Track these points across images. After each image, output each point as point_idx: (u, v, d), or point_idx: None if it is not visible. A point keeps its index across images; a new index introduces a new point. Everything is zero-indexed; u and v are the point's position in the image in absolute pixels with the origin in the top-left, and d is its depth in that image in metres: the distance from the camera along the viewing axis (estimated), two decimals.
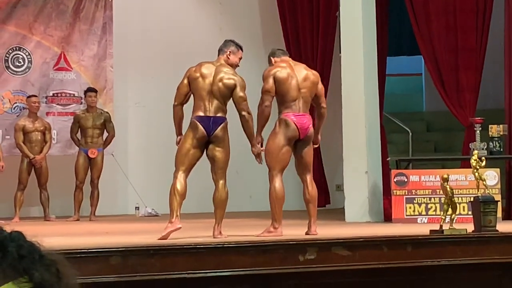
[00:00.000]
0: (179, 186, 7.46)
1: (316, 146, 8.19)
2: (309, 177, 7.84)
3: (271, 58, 8.05)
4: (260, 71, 13.41)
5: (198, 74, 7.62)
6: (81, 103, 12.35)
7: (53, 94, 12.36)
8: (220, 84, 7.62)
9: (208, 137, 7.54)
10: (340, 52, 10.60)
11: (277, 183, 7.68)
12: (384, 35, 11.34)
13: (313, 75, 7.94)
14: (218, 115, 7.57)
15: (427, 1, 10.84)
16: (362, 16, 10.26)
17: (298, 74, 7.83)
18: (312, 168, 7.94)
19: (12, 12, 12.21)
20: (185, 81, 7.68)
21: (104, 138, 11.78)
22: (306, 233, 7.69)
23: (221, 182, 7.57)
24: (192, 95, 7.73)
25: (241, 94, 7.67)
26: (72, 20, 12.48)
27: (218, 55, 7.88)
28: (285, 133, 7.70)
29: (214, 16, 13.53)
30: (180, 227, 7.29)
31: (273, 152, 7.71)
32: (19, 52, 12.26)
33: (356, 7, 10.27)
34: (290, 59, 8.16)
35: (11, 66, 12.21)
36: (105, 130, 11.79)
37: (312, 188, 7.85)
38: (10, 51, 12.22)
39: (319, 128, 8.00)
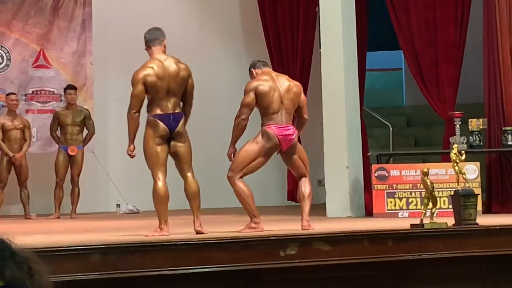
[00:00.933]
0: (161, 191, 7.37)
1: None
2: (303, 179, 7.82)
3: (252, 70, 7.95)
4: (239, 67, 13.43)
5: (154, 78, 7.38)
6: (61, 101, 12.29)
7: (33, 91, 12.29)
8: (179, 79, 7.48)
9: (170, 134, 7.46)
10: (320, 48, 10.60)
11: (240, 183, 7.64)
12: (364, 30, 11.35)
13: (296, 86, 7.89)
14: (177, 111, 7.47)
15: None
16: (342, 11, 10.26)
17: (281, 86, 7.77)
18: (307, 170, 7.86)
19: None
20: (141, 87, 7.38)
21: (84, 136, 11.74)
22: (302, 228, 7.62)
23: (189, 175, 7.49)
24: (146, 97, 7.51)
25: (193, 82, 7.60)
26: (51, 17, 12.41)
27: (153, 46, 7.56)
28: (265, 145, 7.66)
29: (193, 12, 13.49)
30: (168, 235, 7.24)
31: (245, 157, 7.65)
32: None
33: (335, 2, 10.27)
34: (272, 70, 8.10)
35: None
36: (85, 128, 11.75)
37: (305, 187, 7.80)
38: None
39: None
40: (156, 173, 7.41)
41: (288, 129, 7.70)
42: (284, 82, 7.83)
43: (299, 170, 7.84)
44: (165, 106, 7.43)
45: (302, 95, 7.94)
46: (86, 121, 11.72)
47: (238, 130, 7.71)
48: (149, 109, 7.49)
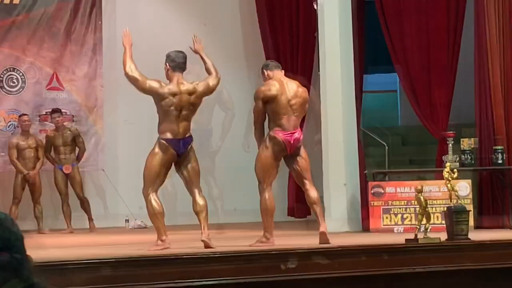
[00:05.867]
0: (156, 205, 7.42)
1: None
2: (307, 183, 7.81)
3: (264, 70, 8.01)
4: (241, 88, 13.47)
5: (166, 90, 7.42)
6: (73, 121, 12.33)
7: (46, 112, 12.32)
8: (193, 97, 7.54)
9: (178, 157, 7.48)
10: (319, 70, 10.63)
11: (267, 195, 7.70)
12: (360, 54, 11.37)
13: (304, 91, 7.97)
14: (187, 135, 7.50)
15: (401, 21, 10.89)
16: (339, 36, 10.31)
17: (289, 91, 7.82)
18: (309, 174, 7.88)
19: (6, 35, 12.18)
20: (154, 84, 7.48)
21: (76, 154, 11.80)
22: (320, 233, 7.59)
23: (196, 191, 7.54)
24: (157, 110, 7.57)
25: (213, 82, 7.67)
26: (63, 42, 12.46)
27: (179, 72, 7.62)
28: (273, 149, 7.73)
29: (199, 37, 13.51)
30: (169, 247, 7.27)
31: (262, 166, 7.74)
32: (13, 73, 12.22)
33: (333, 28, 10.32)
34: (282, 74, 8.06)
35: (5, 86, 12.18)
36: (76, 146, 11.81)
37: (312, 192, 7.79)
38: (5, 72, 12.19)
39: None
40: (148, 191, 7.45)
41: (293, 133, 7.75)
42: (292, 87, 7.88)
43: (301, 172, 7.81)
44: (175, 129, 7.43)
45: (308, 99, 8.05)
46: (76, 140, 11.77)
47: (260, 130, 7.84)
48: (160, 129, 7.51)
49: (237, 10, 13.67)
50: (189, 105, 7.49)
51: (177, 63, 7.59)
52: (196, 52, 7.95)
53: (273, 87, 7.79)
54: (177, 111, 7.43)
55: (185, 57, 7.67)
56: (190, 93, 7.51)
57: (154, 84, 7.48)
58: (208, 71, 7.82)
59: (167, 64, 7.63)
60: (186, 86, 7.51)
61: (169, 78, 7.59)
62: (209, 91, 7.68)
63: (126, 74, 7.54)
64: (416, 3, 10.80)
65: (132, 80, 7.51)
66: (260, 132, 7.85)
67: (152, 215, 7.48)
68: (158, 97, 7.48)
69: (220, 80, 7.82)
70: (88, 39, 12.59)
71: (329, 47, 10.33)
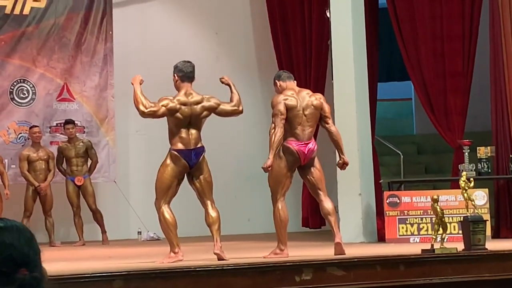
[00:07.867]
0: (169, 217, 7.42)
1: (344, 166, 8.03)
2: (321, 194, 7.79)
3: (277, 81, 7.95)
4: (254, 98, 13.49)
5: (177, 106, 7.42)
6: (84, 132, 12.38)
7: (57, 124, 12.38)
8: (199, 107, 7.53)
9: (190, 169, 7.48)
10: (332, 79, 10.64)
11: (280, 205, 7.69)
12: (374, 62, 11.38)
13: (316, 99, 7.87)
14: (198, 145, 7.50)
15: (415, 28, 10.89)
16: (353, 44, 10.31)
17: (302, 101, 7.80)
18: (323, 185, 7.83)
19: (16, 46, 12.25)
20: (163, 109, 7.44)
21: (88, 165, 11.83)
22: (336, 243, 7.57)
23: (209, 203, 7.52)
24: (168, 122, 7.56)
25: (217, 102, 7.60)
26: (74, 52, 12.52)
27: (188, 82, 7.58)
28: (288, 159, 7.71)
29: (210, 46, 13.57)
30: (182, 260, 7.27)
31: (276, 177, 7.72)
32: (23, 84, 12.29)
33: (347, 36, 10.32)
34: (295, 85, 8.02)
35: (16, 97, 12.24)
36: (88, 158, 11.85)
37: (326, 203, 7.77)
38: (15, 83, 12.25)
39: (341, 149, 7.92)
40: (161, 203, 7.46)
41: (307, 145, 7.72)
42: (304, 98, 7.84)
43: (315, 183, 7.78)
44: (186, 139, 7.44)
45: (324, 105, 7.89)
46: (88, 152, 11.83)
47: (276, 140, 7.58)
48: (171, 140, 7.52)
49: (249, 18, 13.69)
50: (197, 116, 7.50)
51: (185, 73, 7.59)
52: (226, 82, 7.85)
53: (292, 97, 7.76)
54: (186, 122, 7.45)
55: (193, 67, 7.66)
56: (198, 103, 7.51)
57: (169, 103, 7.46)
58: (230, 99, 7.76)
59: (175, 75, 7.63)
60: (194, 98, 7.52)
61: (178, 89, 7.60)
62: (215, 111, 7.56)
63: (142, 114, 7.51)
64: (430, 10, 10.80)
65: (151, 115, 7.50)
66: (280, 137, 7.64)
67: (165, 227, 7.49)
68: (172, 111, 7.48)
69: (237, 112, 7.68)
70: (99, 50, 12.64)
71: (343, 55, 10.33)
